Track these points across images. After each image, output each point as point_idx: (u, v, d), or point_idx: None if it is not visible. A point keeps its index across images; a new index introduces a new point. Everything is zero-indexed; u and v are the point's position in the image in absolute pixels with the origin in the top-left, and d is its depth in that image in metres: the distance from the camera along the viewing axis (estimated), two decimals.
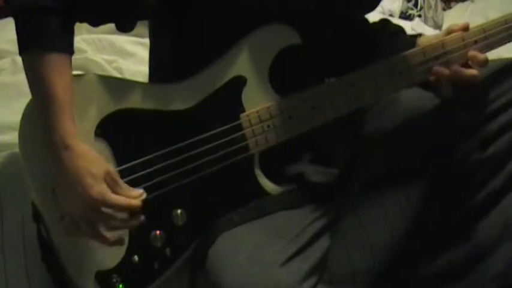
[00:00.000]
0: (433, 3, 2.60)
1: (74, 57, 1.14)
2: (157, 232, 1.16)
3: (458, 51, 1.22)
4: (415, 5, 2.55)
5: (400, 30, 1.38)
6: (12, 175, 1.27)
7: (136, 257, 1.16)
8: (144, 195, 1.11)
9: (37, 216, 1.16)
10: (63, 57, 1.10)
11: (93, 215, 1.07)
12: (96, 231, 1.09)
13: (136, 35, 1.78)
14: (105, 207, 1.07)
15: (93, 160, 1.08)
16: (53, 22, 1.09)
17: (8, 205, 1.28)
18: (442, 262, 1.28)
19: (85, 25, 1.74)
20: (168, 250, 1.17)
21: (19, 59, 1.61)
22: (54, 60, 1.09)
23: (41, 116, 1.09)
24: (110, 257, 1.15)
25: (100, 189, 1.06)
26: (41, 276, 1.21)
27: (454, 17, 2.54)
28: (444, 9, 2.72)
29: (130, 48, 1.79)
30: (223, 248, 1.15)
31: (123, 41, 1.78)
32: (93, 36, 1.77)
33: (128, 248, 1.15)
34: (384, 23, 1.39)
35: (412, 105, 1.29)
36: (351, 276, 1.28)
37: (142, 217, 1.11)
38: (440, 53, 1.22)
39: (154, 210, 1.14)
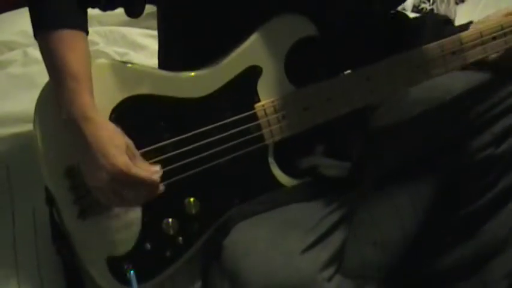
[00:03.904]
0: None
1: None
2: (170, 220, 1.16)
3: (476, 47, 1.22)
4: None
5: (447, 21, 1.36)
6: (24, 165, 1.27)
7: (148, 244, 1.16)
8: (161, 173, 1.10)
9: (50, 200, 1.15)
10: (75, 33, 1.10)
11: (118, 185, 1.06)
12: (124, 200, 1.09)
13: (148, 28, 1.78)
14: (128, 177, 1.06)
15: (114, 131, 1.08)
16: (64, 1, 1.09)
17: (19, 195, 1.28)
18: (452, 259, 1.27)
19: (97, 17, 1.75)
20: (180, 239, 1.17)
21: (30, 51, 1.64)
22: (67, 36, 1.09)
23: (58, 94, 1.08)
24: (122, 243, 1.15)
25: (124, 159, 1.06)
26: (52, 261, 1.21)
27: (466, 11, 2.52)
28: (457, 3, 2.70)
29: (142, 40, 1.77)
30: (240, 238, 1.14)
31: (135, 33, 1.78)
32: (105, 28, 1.77)
33: (140, 235, 1.15)
34: (428, 15, 1.37)
35: (425, 101, 1.28)
36: (362, 271, 1.28)
37: (162, 187, 1.11)
38: (457, 48, 1.21)
39: (167, 197, 1.14)
